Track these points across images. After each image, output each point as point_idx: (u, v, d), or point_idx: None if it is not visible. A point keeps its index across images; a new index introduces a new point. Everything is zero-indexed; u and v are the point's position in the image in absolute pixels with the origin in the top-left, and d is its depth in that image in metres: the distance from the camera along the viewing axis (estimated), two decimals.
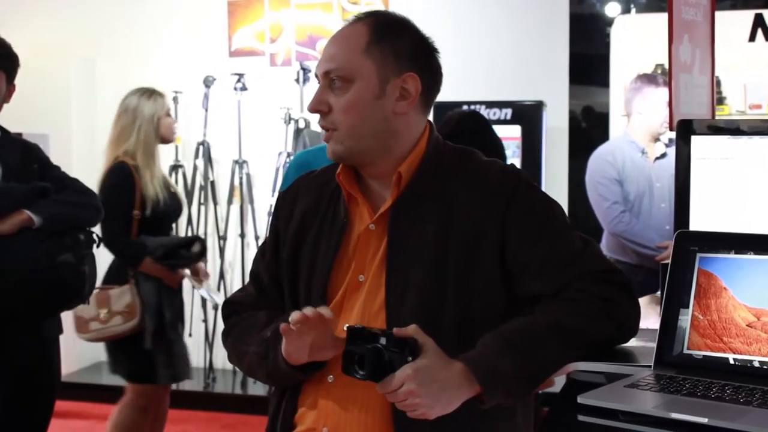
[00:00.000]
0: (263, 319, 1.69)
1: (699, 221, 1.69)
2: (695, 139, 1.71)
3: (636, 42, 4.92)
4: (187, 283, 3.88)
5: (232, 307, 1.78)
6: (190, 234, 5.52)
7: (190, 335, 4.29)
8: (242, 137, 5.55)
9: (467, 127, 2.93)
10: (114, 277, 3.64)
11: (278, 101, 5.55)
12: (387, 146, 1.60)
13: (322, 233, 1.66)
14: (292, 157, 4.43)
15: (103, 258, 3.64)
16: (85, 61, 6.01)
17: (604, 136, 4.87)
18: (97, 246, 2.85)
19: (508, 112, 5.05)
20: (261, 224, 5.59)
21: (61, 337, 2.89)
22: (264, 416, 1.74)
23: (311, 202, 1.70)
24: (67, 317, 2.92)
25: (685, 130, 1.72)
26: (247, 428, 5.03)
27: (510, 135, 4.86)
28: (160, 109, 3.66)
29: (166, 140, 3.73)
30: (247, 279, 1.86)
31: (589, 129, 5.27)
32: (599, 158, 4.11)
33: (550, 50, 5.29)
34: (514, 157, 4.96)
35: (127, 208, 3.57)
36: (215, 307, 5.31)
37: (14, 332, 2.67)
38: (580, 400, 1.32)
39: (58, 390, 2.87)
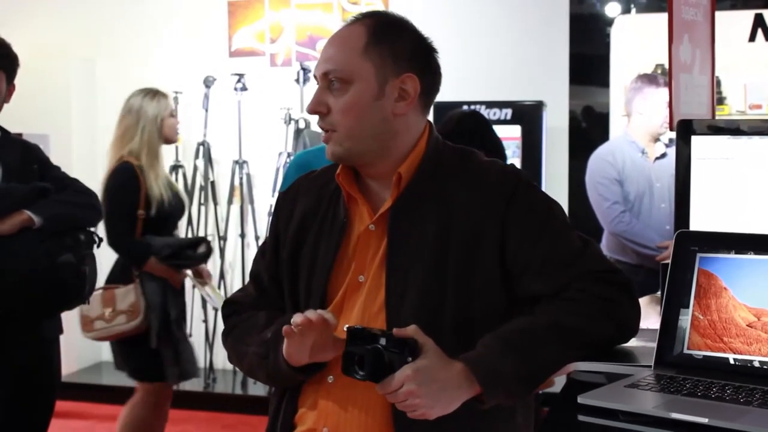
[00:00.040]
0: (263, 319, 1.69)
1: (699, 221, 1.69)
2: (695, 139, 1.71)
3: (636, 42, 4.92)
4: (187, 283, 3.89)
5: (232, 307, 1.78)
6: (190, 234, 5.52)
7: (190, 335, 4.28)
8: (242, 137, 5.55)
9: (467, 127, 2.94)
10: (119, 276, 3.66)
11: (278, 101, 5.55)
12: (386, 147, 1.60)
13: (322, 233, 1.66)
14: (292, 158, 4.42)
15: (107, 258, 3.65)
16: (85, 61, 6.01)
17: (604, 136, 4.87)
18: (98, 246, 2.85)
19: (508, 112, 5.04)
20: (261, 224, 5.58)
21: (62, 337, 2.89)
22: (264, 416, 1.75)
23: (311, 203, 1.70)
24: (68, 317, 2.92)
25: (685, 130, 1.72)
26: (248, 428, 5.03)
27: (510, 135, 4.85)
28: (163, 109, 3.67)
29: (169, 141, 3.74)
30: (247, 279, 1.86)
31: (589, 129, 5.26)
32: (599, 158, 4.11)
33: (550, 50, 5.28)
34: (514, 157, 4.95)
35: (131, 208, 3.58)
36: (215, 309, 5.31)
37: (14, 332, 2.67)
38: (580, 400, 1.32)
39: (58, 390, 2.88)
